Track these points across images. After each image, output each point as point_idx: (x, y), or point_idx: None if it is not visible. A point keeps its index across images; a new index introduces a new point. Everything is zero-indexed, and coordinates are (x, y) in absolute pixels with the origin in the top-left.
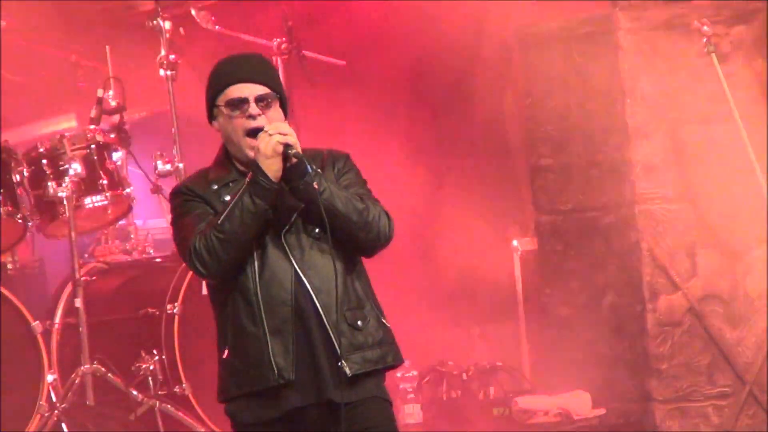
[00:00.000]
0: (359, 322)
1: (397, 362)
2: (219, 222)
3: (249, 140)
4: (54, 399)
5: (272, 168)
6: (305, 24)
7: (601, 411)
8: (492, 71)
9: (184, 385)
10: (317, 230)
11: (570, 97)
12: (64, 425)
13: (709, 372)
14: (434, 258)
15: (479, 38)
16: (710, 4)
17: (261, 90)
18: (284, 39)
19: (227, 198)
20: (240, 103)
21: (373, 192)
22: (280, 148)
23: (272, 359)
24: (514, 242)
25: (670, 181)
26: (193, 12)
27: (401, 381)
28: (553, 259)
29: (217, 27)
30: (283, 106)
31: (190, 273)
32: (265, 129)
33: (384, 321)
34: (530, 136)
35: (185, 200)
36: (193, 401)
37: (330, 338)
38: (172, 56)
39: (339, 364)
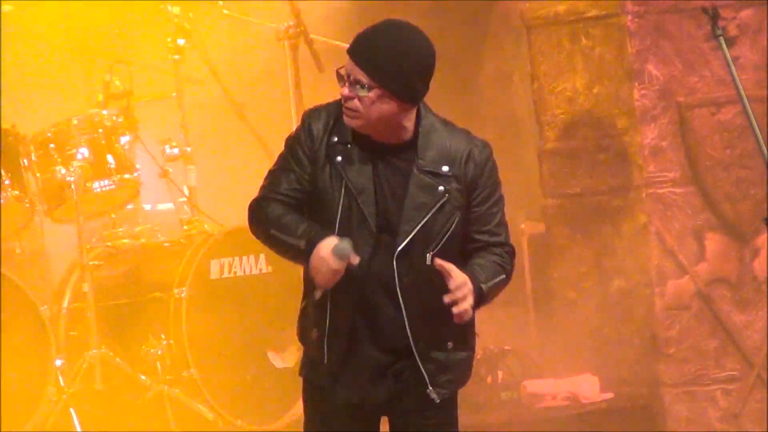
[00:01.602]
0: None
1: None
2: (272, 225)
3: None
4: (62, 384)
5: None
6: (312, 4)
7: (609, 395)
8: (499, 54)
9: (192, 370)
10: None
11: (577, 81)
12: (72, 410)
13: (717, 356)
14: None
15: (486, 21)
16: None
17: (360, 75)
18: (292, 23)
19: (338, 159)
20: (340, 79)
21: None
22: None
23: None
24: (522, 226)
25: (678, 164)
26: None
27: None
28: (560, 243)
29: (225, 11)
30: (405, 97)
31: (198, 257)
32: (334, 252)
33: None
34: (538, 119)
35: (294, 139)
36: (202, 385)
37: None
38: (180, 40)
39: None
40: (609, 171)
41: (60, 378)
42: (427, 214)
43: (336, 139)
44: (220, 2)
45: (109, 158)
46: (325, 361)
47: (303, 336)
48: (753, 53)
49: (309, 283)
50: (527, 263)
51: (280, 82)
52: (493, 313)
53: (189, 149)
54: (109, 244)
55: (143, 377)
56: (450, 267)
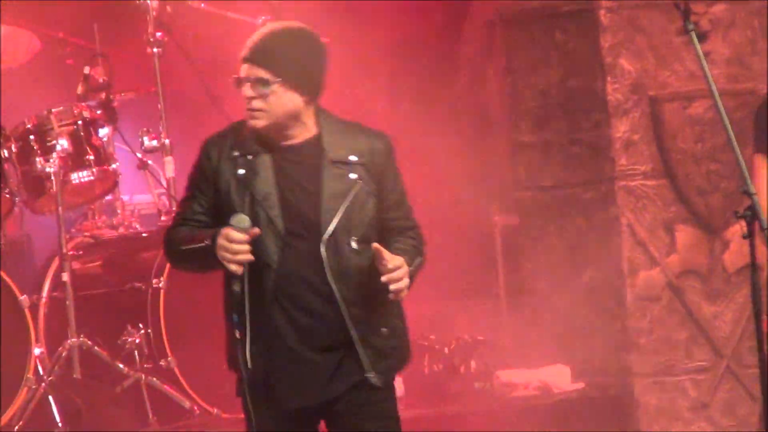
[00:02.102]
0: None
1: None
2: (182, 243)
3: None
4: (41, 372)
5: None
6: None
7: (581, 385)
8: (474, 48)
9: (169, 359)
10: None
11: (551, 75)
12: (50, 397)
13: (687, 347)
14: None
15: (463, 16)
16: None
17: (261, 74)
18: (269, 17)
19: (240, 172)
20: (240, 84)
21: None
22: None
23: None
24: (495, 218)
25: (650, 157)
26: None
27: None
28: (533, 235)
29: (203, 5)
30: (306, 90)
31: None
32: (231, 223)
33: None
34: (512, 112)
35: (196, 169)
36: (179, 374)
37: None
38: (158, 34)
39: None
40: (581, 164)
41: (39, 366)
42: (344, 201)
43: (237, 153)
44: None
45: (88, 150)
46: (250, 367)
47: (231, 360)
48: (724, 48)
49: (228, 309)
50: (500, 255)
51: None
52: (466, 305)
53: (167, 141)
54: (88, 234)
55: (121, 366)
56: (386, 251)
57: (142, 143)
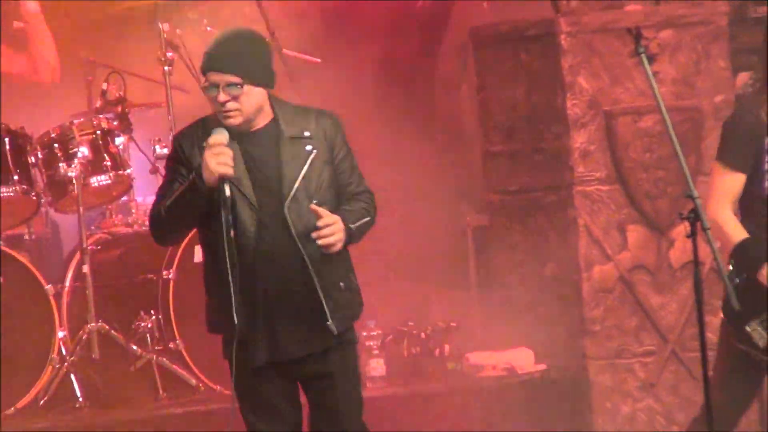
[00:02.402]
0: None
1: None
2: (163, 207)
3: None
4: (64, 352)
5: (210, 180)
6: (284, 22)
7: (542, 366)
8: (450, 68)
9: (177, 341)
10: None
11: (518, 91)
12: (72, 375)
13: (636, 333)
14: (398, 233)
15: (439, 38)
16: (641, 10)
17: (232, 78)
18: (267, 39)
19: None
20: (212, 89)
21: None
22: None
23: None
24: (467, 218)
25: (604, 165)
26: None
27: (367, 339)
28: (501, 233)
29: (209, 28)
30: (265, 83)
31: (184, 243)
32: (207, 142)
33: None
34: (483, 125)
35: (172, 159)
36: (186, 355)
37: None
38: (169, 54)
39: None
40: (544, 171)
41: (62, 348)
42: (302, 168)
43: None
44: (205, 20)
45: (106, 157)
46: (236, 323)
47: (213, 323)
48: (671, 68)
49: (209, 280)
50: (472, 251)
51: None
52: (441, 295)
53: None
54: (105, 231)
55: (135, 347)
56: (321, 210)
57: (154, 150)
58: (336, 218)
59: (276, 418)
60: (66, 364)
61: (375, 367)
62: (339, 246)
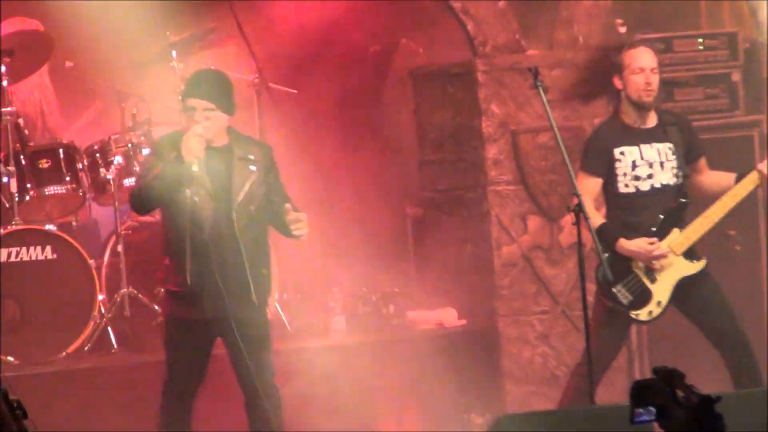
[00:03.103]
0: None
1: None
2: (147, 181)
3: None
4: (103, 311)
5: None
6: (268, 61)
7: (463, 321)
8: (394, 96)
9: None
10: (253, 209)
11: (445, 115)
12: (109, 328)
13: (535, 297)
14: (356, 221)
15: (385, 74)
16: (538, 54)
17: (206, 105)
18: (257, 75)
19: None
20: (190, 111)
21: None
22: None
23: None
24: (408, 210)
25: (511, 171)
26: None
27: (331, 301)
28: (432, 221)
29: (212, 66)
30: (229, 112)
31: None
32: (193, 129)
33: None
34: (419, 140)
35: (153, 155)
36: None
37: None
38: (182, 86)
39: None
40: (465, 175)
41: (101, 307)
42: (247, 183)
43: (176, 155)
44: (209, 60)
45: (135, 164)
46: (189, 283)
47: (167, 279)
48: (561, 97)
49: (167, 241)
50: (410, 235)
51: (249, 116)
52: (388, 268)
53: None
54: (135, 220)
55: (156, 307)
56: (292, 209)
57: None
58: (303, 215)
59: (195, 366)
60: (104, 319)
61: (337, 322)
62: (306, 234)
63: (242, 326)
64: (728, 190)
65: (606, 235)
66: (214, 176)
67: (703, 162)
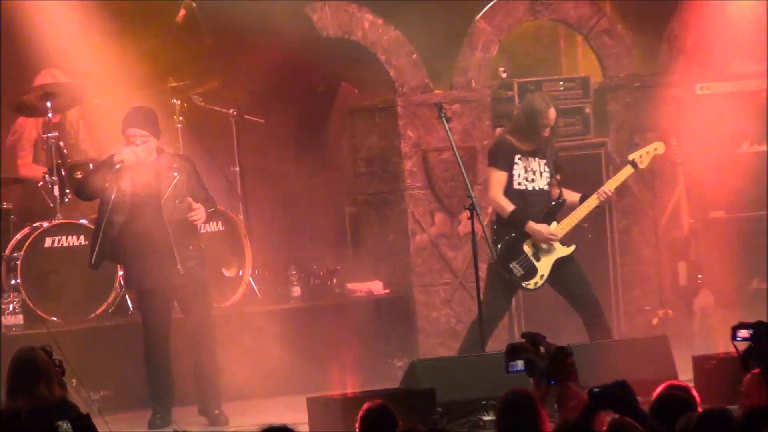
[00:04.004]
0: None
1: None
2: (88, 176)
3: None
4: (122, 283)
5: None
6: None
7: (387, 291)
8: (337, 125)
9: None
10: (177, 202)
11: (373, 139)
12: (126, 296)
13: (440, 272)
14: (308, 218)
15: (330, 108)
16: (442, 93)
17: (142, 133)
18: (235, 109)
19: (125, 178)
20: (131, 138)
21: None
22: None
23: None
24: (346, 209)
25: (422, 179)
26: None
27: (291, 276)
28: (364, 217)
29: (201, 103)
30: (158, 136)
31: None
32: (121, 151)
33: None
34: (353, 157)
35: (105, 161)
36: None
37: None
38: (180, 117)
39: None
40: (389, 182)
41: (121, 281)
42: (172, 183)
43: (119, 166)
44: (198, 98)
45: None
46: (93, 263)
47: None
48: (459, 125)
49: (100, 212)
50: (348, 227)
51: (229, 141)
52: (331, 252)
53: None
54: None
55: None
56: (193, 202)
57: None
58: (200, 206)
59: (164, 326)
60: (123, 289)
61: (295, 291)
62: (203, 221)
63: (173, 290)
64: (573, 204)
65: (519, 217)
66: (146, 180)
67: (558, 177)
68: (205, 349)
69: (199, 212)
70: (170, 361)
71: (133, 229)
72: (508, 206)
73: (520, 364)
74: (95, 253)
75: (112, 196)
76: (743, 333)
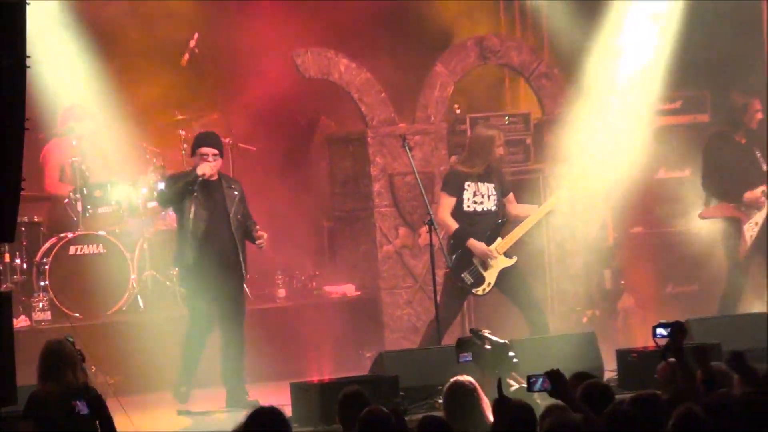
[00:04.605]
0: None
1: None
2: (171, 184)
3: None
4: (134, 285)
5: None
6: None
7: (359, 293)
8: (318, 151)
9: None
10: (239, 218)
11: (347, 164)
12: (138, 296)
13: (403, 277)
14: (293, 230)
15: (312, 137)
16: (405, 126)
17: (213, 151)
18: (230, 138)
19: (195, 193)
20: (204, 155)
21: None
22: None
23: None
24: (324, 223)
25: (389, 199)
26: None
27: (277, 280)
28: (339, 231)
29: (200, 131)
30: (223, 157)
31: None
32: (200, 166)
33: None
34: (331, 180)
35: (177, 174)
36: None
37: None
38: (185, 145)
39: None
40: (360, 201)
41: (134, 283)
42: (235, 201)
43: (193, 187)
44: (199, 127)
45: (155, 193)
46: (191, 263)
47: (182, 260)
48: (420, 153)
49: (183, 218)
50: (326, 238)
51: (226, 166)
52: (312, 260)
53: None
54: (156, 229)
55: (167, 283)
56: (262, 232)
57: None
58: (266, 234)
59: (207, 320)
60: (135, 290)
61: (280, 292)
62: (265, 245)
63: (236, 292)
64: (529, 215)
65: (461, 235)
66: (217, 194)
67: (511, 197)
68: (238, 343)
69: (264, 237)
70: (203, 349)
71: (211, 236)
72: (453, 225)
73: (468, 356)
74: (189, 253)
75: (192, 206)
76: (662, 331)
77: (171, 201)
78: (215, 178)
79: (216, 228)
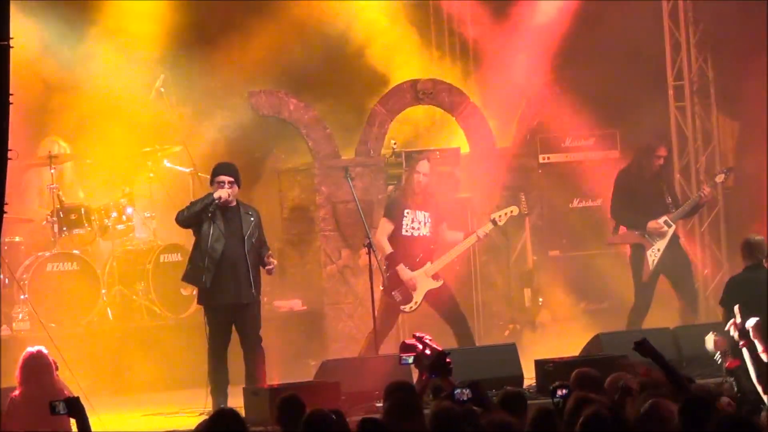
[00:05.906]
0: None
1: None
2: (190, 206)
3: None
4: (104, 299)
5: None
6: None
7: (306, 307)
8: (269, 183)
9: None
10: (253, 241)
11: (296, 193)
12: (108, 309)
13: (345, 294)
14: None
15: (264, 168)
16: (348, 159)
17: (229, 179)
18: (193, 168)
19: (215, 218)
20: (221, 183)
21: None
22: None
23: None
24: (276, 245)
25: (333, 224)
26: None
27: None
28: (289, 251)
29: (167, 164)
30: (240, 186)
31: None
32: (217, 191)
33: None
34: (282, 207)
35: (199, 200)
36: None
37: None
38: (151, 174)
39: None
40: (307, 226)
41: (104, 296)
42: (251, 225)
43: (211, 210)
44: (166, 160)
45: (124, 217)
46: (208, 286)
47: (189, 277)
48: (360, 184)
49: (200, 239)
50: (276, 258)
51: (187, 194)
52: (265, 277)
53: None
54: (123, 250)
55: (134, 297)
56: (270, 254)
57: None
58: (275, 261)
59: (223, 339)
60: (105, 303)
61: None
62: (274, 270)
63: (245, 309)
64: (458, 242)
65: (393, 259)
66: (233, 219)
67: (444, 225)
68: (258, 357)
69: (274, 263)
70: (226, 362)
71: (226, 257)
72: (388, 249)
73: (410, 359)
74: (205, 276)
75: (211, 228)
76: (561, 392)
77: (190, 222)
78: (232, 203)
79: (231, 249)
